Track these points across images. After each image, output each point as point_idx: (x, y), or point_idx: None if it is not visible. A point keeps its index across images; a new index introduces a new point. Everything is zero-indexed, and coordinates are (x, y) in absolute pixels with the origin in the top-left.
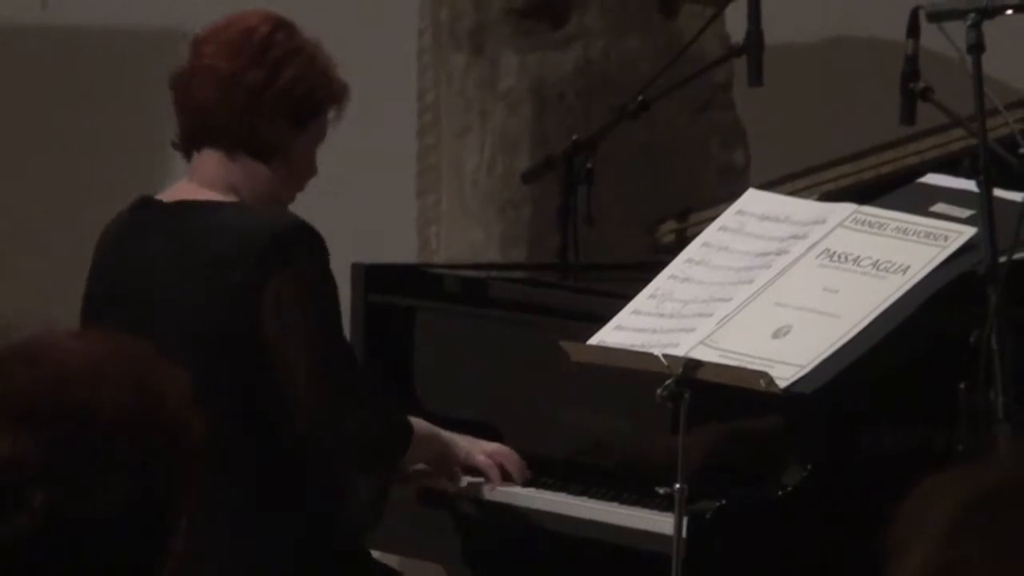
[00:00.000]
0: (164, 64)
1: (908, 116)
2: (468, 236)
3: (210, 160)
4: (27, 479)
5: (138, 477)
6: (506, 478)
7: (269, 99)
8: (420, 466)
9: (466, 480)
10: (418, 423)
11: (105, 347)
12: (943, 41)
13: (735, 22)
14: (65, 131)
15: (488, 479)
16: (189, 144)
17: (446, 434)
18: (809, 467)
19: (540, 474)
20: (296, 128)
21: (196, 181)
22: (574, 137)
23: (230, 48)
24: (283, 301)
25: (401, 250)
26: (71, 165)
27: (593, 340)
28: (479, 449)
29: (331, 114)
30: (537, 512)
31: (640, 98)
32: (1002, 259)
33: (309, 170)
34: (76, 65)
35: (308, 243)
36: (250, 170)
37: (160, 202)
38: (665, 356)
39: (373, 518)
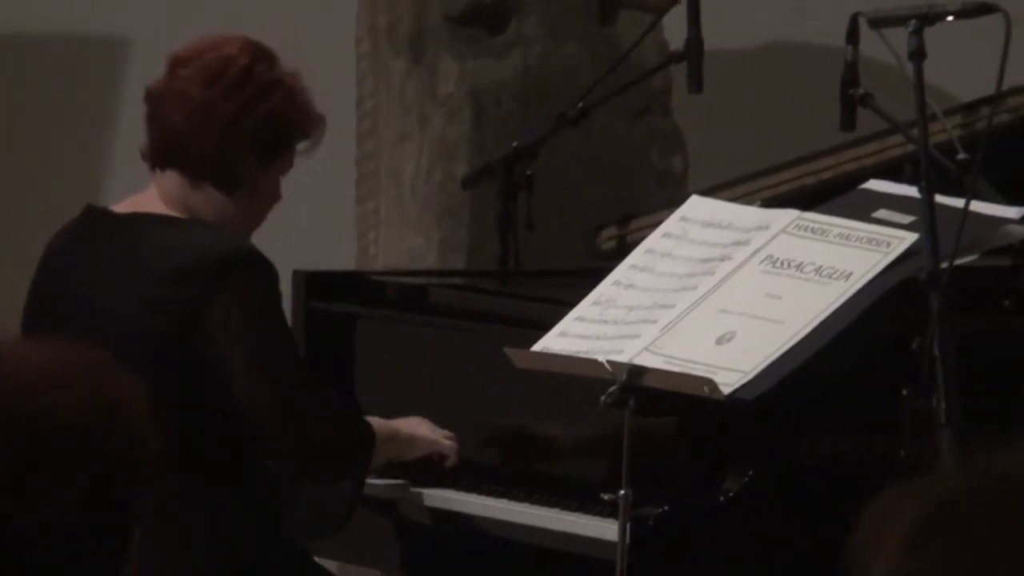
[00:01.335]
0: (107, 71)
1: (848, 122)
2: (407, 243)
3: (172, 180)
4: None
5: (93, 485)
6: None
7: (239, 134)
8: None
9: (407, 485)
10: (377, 422)
11: (61, 355)
12: (881, 47)
13: (672, 28)
14: (5, 138)
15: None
16: (154, 161)
17: (405, 429)
18: (751, 473)
19: (482, 480)
20: (265, 162)
21: (155, 195)
22: (514, 144)
23: (207, 75)
24: (230, 320)
25: (339, 257)
26: (11, 172)
27: (537, 347)
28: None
29: (302, 146)
30: (478, 518)
31: (580, 105)
32: (943, 265)
33: (273, 198)
34: (17, 72)
35: (255, 265)
36: (211, 199)
37: (110, 212)
38: (609, 362)
39: (342, 522)
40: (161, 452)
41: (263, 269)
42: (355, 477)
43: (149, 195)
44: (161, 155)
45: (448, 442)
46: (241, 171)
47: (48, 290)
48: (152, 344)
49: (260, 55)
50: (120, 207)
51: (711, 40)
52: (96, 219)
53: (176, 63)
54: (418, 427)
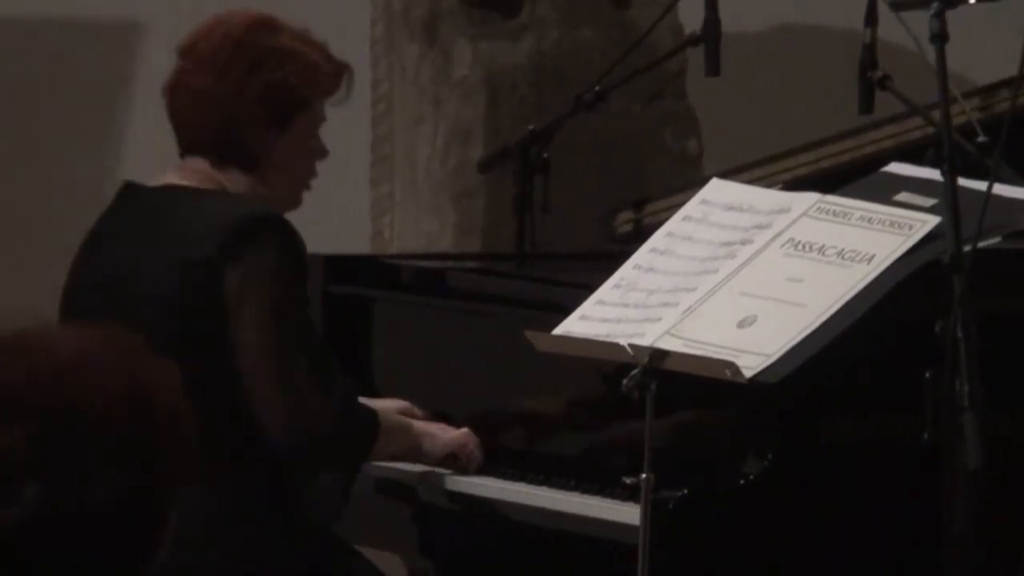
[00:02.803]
0: (120, 55)
1: (866, 105)
2: (422, 226)
3: (200, 164)
4: (18, 472)
5: (129, 470)
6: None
7: (242, 110)
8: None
9: (425, 469)
10: (389, 415)
11: (97, 341)
12: (897, 29)
13: (686, 11)
14: (20, 122)
15: (466, 470)
16: (181, 149)
17: (418, 426)
18: (771, 456)
19: (500, 464)
20: (279, 130)
21: (189, 172)
22: (530, 127)
23: (203, 61)
24: (244, 290)
25: (354, 240)
26: (25, 156)
27: (558, 330)
28: (452, 439)
29: (327, 100)
30: (497, 501)
31: (597, 88)
32: (966, 248)
33: (308, 161)
34: (31, 56)
35: (277, 231)
36: (237, 179)
37: (143, 187)
38: (631, 346)
39: (335, 510)
40: (195, 439)
41: (283, 238)
42: (348, 467)
43: (183, 172)
44: (183, 145)
45: (469, 448)
46: (254, 146)
47: (85, 271)
48: (175, 311)
49: (253, 26)
50: (154, 181)
51: (726, 22)
52: (127, 196)
53: (181, 54)
54: (440, 429)
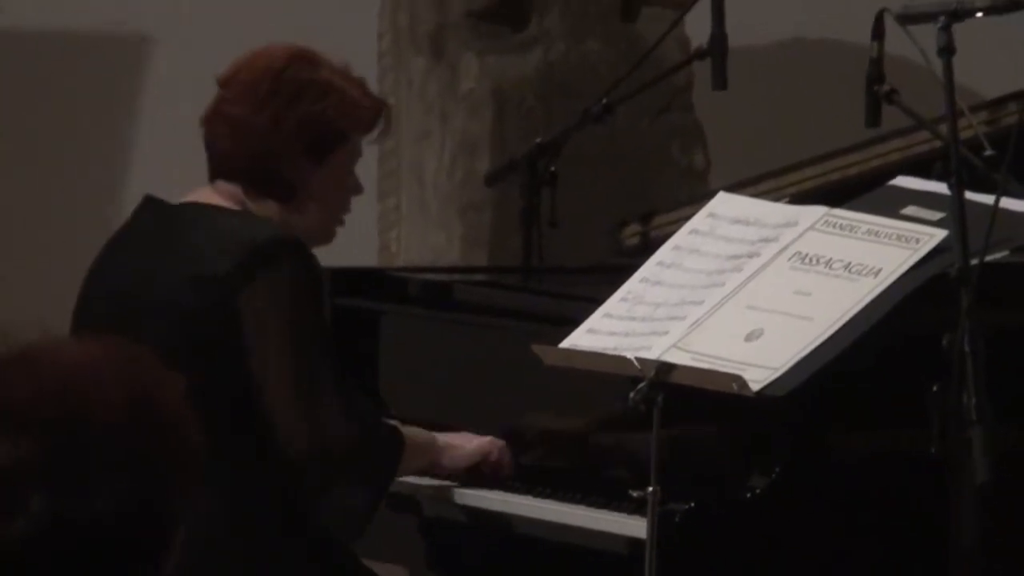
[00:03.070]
0: (130, 69)
1: (873, 118)
2: (429, 239)
3: (231, 188)
4: (25, 483)
5: (136, 481)
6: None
7: (280, 142)
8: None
9: (433, 482)
10: (413, 430)
11: (102, 352)
12: (904, 43)
13: (693, 25)
14: (30, 135)
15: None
16: (213, 174)
17: (442, 439)
18: (777, 469)
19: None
20: (316, 163)
21: (216, 192)
22: (538, 140)
23: (242, 92)
24: (261, 311)
25: (361, 253)
26: (34, 169)
27: (565, 343)
28: (475, 450)
29: (363, 138)
30: (503, 514)
31: (604, 101)
32: (973, 261)
33: (343, 195)
34: (41, 69)
35: (293, 253)
36: (271, 210)
37: (164, 203)
38: (638, 359)
39: (359, 528)
40: (202, 450)
41: (302, 261)
42: (374, 486)
43: (209, 191)
44: (216, 170)
45: (494, 457)
46: (291, 177)
47: (97, 282)
48: (186, 324)
49: (295, 57)
50: (179, 200)
51: (732, 36)
52: (148, 210)
53: (222, 84)
54: (464, 440)
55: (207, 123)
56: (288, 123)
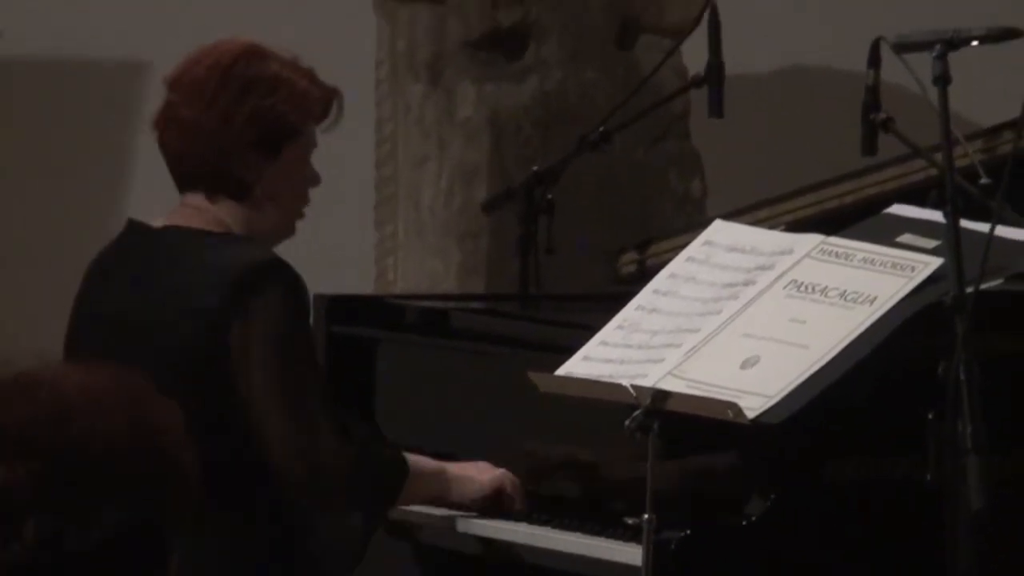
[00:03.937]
0: (127, 95)
1: (869, 147)
2: (426, 266)
3: (197, 199)
4: (21, 509)
5: (135, 506)
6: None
7: (229, 139)
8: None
9: (430, 511)
10: (421, 459)
11: (100, 379)
12: (900, 71)
13: (690, 53)
14: (27, 161)
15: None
16: (178, 185)
17: (453, 470)
18: (773, 497)
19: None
20: (270, 158)
21: (189, 210)
22: (535, 167)
23: (189, 93)
24: (249, 342)
25: (358, 281)
26: (32, 195)
27: (561, 371)
28: (487, 483)
29: (317, 127)
30: (499, 542)
31: (601, 129)
32: (969, 289)
33: (301, 188)
34: (38, 96)
35: (279, 277)
36: (232, 210)
37: (147, 226)
38: (633, 387)
39: (356, 553)
40: (198, 478)
41: (287, 285)
42: (371, 510)
43: (184, 210)
44: (178, 179)
45: (507, 491)
46: (244, 175)
47: (88, 307)
48: (178, 357)
49: (241, 55)
50: (158, 221)
51: (730, 64)
52: (133, 234)
53: (168, 86)
54: (478, 471)
55: (157, 126)
56: (238, 120)
